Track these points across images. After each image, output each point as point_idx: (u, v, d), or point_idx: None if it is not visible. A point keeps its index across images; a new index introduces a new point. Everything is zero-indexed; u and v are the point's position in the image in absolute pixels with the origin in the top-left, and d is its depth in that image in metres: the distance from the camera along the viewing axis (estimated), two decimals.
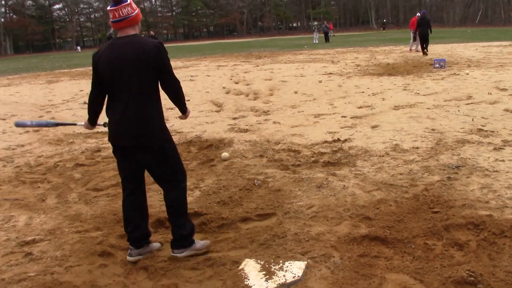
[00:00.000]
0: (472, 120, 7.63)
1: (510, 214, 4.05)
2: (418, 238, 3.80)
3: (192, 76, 17.23)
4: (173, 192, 3.70)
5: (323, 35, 42.07)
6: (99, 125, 3.88)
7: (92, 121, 3.81)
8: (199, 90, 13.50)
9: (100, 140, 8.02)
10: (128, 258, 3.77)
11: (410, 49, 24.08)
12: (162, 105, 3.61)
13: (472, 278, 3.10)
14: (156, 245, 3.98)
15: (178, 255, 3.72)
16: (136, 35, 3.49)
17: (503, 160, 5.53)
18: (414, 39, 23.03)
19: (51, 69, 28.13)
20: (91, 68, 3.58)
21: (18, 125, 4.40)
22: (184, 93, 3.79)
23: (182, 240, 3.72)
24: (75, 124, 4.41)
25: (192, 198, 5.02)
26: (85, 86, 15.28)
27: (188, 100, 11.43)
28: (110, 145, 7.75)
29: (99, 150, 7.38)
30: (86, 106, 3.75)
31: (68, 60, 39.24)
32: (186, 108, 3.88)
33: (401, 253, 3.60)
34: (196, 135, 7.95)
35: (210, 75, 17.29)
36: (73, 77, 20.27)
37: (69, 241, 4.16)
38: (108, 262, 3.79)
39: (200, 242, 3.84)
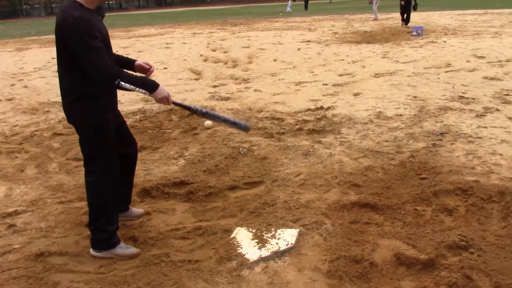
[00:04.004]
0: (453, 87, 7.67)
1: (496, 180, 4.09)
2: (407, 204, 3.82)
3: (168, 44, 16.88)
4: (86, 179, 3.30)
5: (299, 2, 41.62)
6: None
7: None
8: (176, 57, 13.20)
9: None
10: None
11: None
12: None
13: (464, 243, 3.13)
14: (139, 211, 3.89)
15: (94, 253, 3.35)
16: (70, 2, 2.97)
17: (485, 127, 5.58)
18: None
19: (19, 36, 27.19)
20: None
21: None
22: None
23: (95, 241, 3.34)
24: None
25: (177, 167, 4.93)
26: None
27: (166, 68, 11.20)
28: None
29: None
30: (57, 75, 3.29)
31: (37, 27, 37.94)
32: (148, 84, 3.09)
33: (391, 219, 3.62)
34: None
35: (186, 43, 16.96)
36: (43, 45, 19.64)
37: (53, 212, 4.03)
38: None
39: (125, 250, 3.36)
